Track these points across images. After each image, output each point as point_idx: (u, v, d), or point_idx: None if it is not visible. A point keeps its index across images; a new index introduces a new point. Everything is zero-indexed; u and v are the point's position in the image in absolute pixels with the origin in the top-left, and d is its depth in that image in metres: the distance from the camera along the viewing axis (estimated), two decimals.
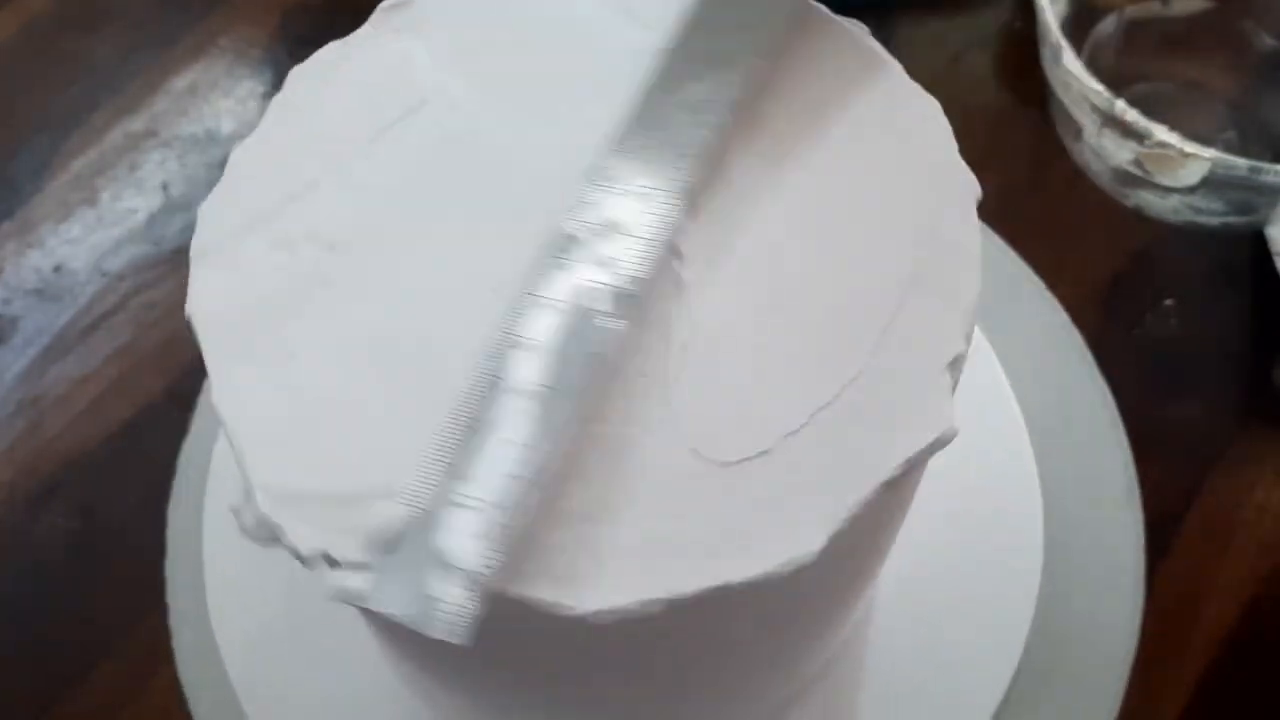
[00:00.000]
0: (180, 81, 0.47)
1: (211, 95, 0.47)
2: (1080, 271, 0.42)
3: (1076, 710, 0.31)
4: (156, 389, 0.40)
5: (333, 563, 0.19)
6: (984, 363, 0.35)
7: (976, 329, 0.34)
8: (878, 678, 0.31)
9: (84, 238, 0.43)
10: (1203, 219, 0.41)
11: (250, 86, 0.47)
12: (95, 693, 0.35)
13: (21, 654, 0.35)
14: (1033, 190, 0.43)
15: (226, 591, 0.33)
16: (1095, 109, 0.38)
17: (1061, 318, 0.36)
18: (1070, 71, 0.38)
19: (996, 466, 0.34)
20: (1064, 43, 0.38)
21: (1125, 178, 0.40)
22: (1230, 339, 0.41)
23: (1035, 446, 0.34)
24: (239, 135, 0.45)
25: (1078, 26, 0.43)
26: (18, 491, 0.38)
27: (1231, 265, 0.42)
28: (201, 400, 0.37)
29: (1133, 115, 0.37)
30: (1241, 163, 0.36)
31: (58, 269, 0.43)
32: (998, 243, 0.37)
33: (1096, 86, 0.37)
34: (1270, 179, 0.36)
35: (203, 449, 0.36)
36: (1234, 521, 0.37)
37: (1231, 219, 0.40)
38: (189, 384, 0.38)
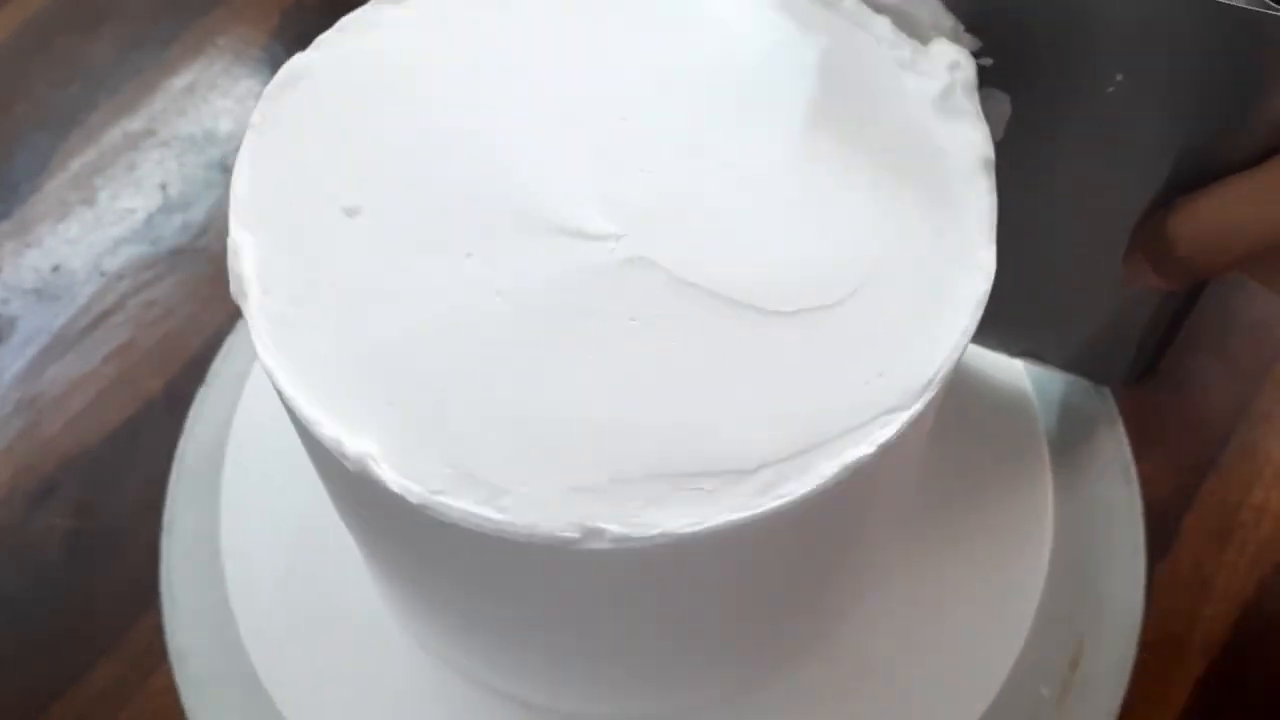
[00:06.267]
0: (179, 81, 0.47)
1: (210, 95, 0.47)
2: None
3: (1077, 710, 0.31)
4: (155, 388, 0.40)
5: None
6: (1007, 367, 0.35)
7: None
8: (874, 663, 0.31)
9: (82, 237, 0.43)
10: None
11: (249, 86, 0.47)
12: (94, 691, 0.34)
13: (20, 652, 0.35)
14: None
15: (231, 586, 0.33)
16: None
17: None
18: None
19: (1009, 471, 0.34)
20: None
21: None
22: (1229, 338, 0.41)
23: None
24: (238, 135, 0.45)
25: None
26: (17, 491, 0.38)
27: None
28: (199, 398, 0.37)
29: None
30: None
31: (56, 269, 0.43)
32: None
33: None
34: None
35: (201, 447, 0.35)
36: (1233, 522, 0.37)
37: None
38: (187, 383, 0.38)
